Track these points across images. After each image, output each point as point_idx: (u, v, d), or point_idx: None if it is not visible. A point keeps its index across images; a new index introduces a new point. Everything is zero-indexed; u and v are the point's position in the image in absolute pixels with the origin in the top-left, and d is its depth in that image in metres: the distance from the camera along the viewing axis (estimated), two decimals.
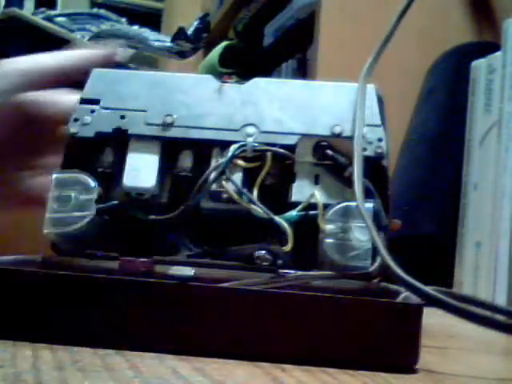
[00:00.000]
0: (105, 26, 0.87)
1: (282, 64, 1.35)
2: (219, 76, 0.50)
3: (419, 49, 1.10)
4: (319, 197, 0.45)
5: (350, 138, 0.46)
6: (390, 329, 0.36)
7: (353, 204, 0.44)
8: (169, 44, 0.77)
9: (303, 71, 1.24)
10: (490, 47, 0.85)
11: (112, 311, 0.37)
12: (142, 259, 0.45)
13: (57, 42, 0.77)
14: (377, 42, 0.57)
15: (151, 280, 0.38)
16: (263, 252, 0.45)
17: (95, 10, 0.96)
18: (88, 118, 0.48)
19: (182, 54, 0.76)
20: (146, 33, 0.80)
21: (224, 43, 1.38)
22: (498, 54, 0.78)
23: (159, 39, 0.78)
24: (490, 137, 0.76)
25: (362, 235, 0.43)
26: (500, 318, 0.35)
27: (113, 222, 0.46)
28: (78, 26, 0.88)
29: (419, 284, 0.35)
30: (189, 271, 0.39)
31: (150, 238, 0.47)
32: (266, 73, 1.36)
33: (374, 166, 0.46)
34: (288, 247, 0.44)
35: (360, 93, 0.48)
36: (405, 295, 0.40)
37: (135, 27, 0.84)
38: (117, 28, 0.85)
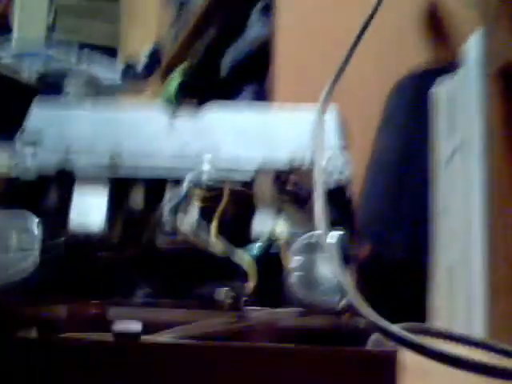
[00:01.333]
0: (53, 66, 0.86)
1: (238, 94, 1.34)
2: (176, 108, 0.48)
3: (377, 73, 1.09)
4: (281, 231, 0.43)
5: (310, 170, 0.44)
6: (364, 378, 0.34)
7: (316, 238, 0.41)
8: (118, 81, 0.75)
9: (261, 100, 1.24)
10: (445, 72, 0.84)
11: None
12: (93, 302, 0.41)
13: (3, 82, 0.75)
14: (334, 68, 0.55)
15: (92, 343, 0.35)
16: (225, 290, 0.42)
17: (43, 50, 0.94)
18: (28, 161, 0.45)
19: (133, 90, 0.75)
20: (96, 70, 0.78)
21: (179, 76, 1.36)
22: (457, 79, 0.77)
23: (109, 77, 0.76)
24: (455, 160, 0.75)
25: (327, 270, 0.41)
26: (477, 358, 0.33)
27: (61, 265, 0.43)
28: (26, 65, 0.86)
29: (389, 326, 0.33)
30: (136, 326, 0.36)
31: (102, 279, 0.44)
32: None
33: (337, 194, 0.44)
34: (250, 285, 0.42)
35: (318, 122, 0.45)
36: (376, 337, 0.37)
37: (84, 65, 0.82)
38: (65, 68, 0.83)
